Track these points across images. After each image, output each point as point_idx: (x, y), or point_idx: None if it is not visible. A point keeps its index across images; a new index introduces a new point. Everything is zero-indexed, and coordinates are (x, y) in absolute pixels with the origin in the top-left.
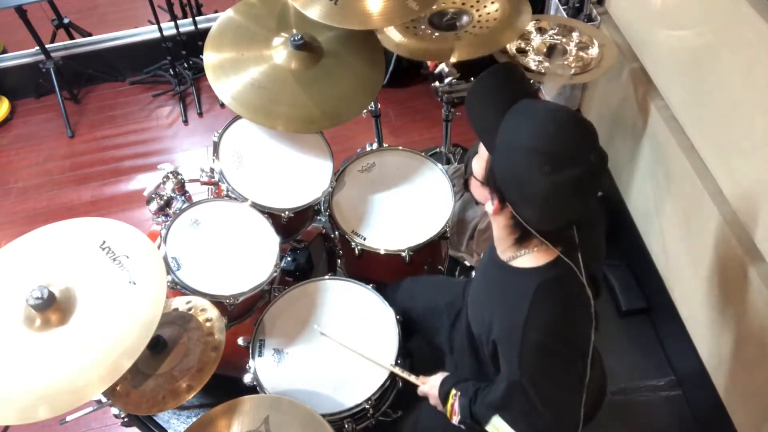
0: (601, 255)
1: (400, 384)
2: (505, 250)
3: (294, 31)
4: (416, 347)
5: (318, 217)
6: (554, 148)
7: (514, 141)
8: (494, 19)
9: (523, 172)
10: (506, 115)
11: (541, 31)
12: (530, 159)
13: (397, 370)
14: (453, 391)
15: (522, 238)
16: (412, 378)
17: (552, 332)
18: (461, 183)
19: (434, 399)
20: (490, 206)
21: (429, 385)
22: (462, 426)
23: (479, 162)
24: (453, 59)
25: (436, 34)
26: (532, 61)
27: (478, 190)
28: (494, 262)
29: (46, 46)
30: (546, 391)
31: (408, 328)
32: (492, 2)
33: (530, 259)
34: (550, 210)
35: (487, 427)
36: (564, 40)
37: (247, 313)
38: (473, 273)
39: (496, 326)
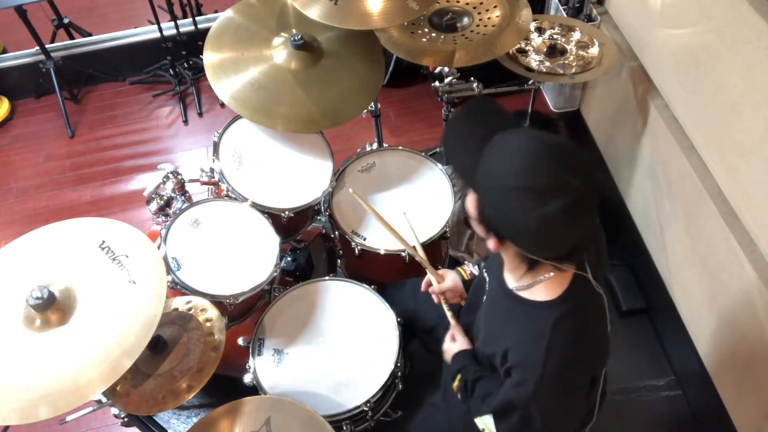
0: (605, 260)
1: (400, 386)
2: (517, 280)
3: (294, 31)
4: (416, 350)
5: (318, 217)
6: (532, 182)
7: (493, 181)
8: (494, 25)
9: (511, 210)
10: (484, 153)
11: (541, 30)
12: (513, 197)
13: (420, 253)
14: (459, 376)
15: (533, 265)
16: (430, 269)
17: (570, 369)
18: (461, 183)
19: (447, 360)
20: (490, 242)
21: (449, 354)
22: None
23: (470, 201)
24: (454, 65)
25: (433, 34)
26: (532, 60)
27: (479, 228)
28: (505, 292)
29: (46, 46)
30: (549, 417)
31: (408, 329)
32: (495, 7)
33: (544, 289)
34: (548, 241)
35: (476, 420)
36: (564, 39)
37: (247, 313)
38: (486, 284)
39: (511, 358)
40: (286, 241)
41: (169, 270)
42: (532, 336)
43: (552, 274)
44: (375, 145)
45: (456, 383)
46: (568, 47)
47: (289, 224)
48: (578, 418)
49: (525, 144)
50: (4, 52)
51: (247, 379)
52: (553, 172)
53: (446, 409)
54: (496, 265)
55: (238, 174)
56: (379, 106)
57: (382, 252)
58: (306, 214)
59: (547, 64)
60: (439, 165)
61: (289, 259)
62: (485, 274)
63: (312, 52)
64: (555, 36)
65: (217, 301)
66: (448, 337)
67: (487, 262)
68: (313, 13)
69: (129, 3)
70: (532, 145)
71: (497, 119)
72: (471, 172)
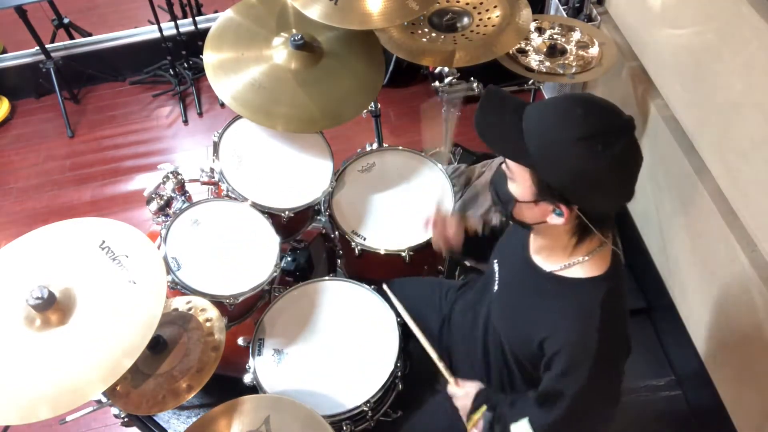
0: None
1: (400, 386)
2: (558, 260)
3: (294, 31)
4: (416, 350)
5: (318, 217)
6: (592, 129)
7: (552, 144)
8: (494, 25)
9: (580, 164)
10: (524, 126)
11: (541, 30)
12: (579, 148)
13: (437, 361)
14: (483, 408)
15: (581, 240)
16: (447, 373)
17: (619, 350)
18: (461, 183)
19: (462, 406)
20: (556, 218)
21: (463, 392)
22: None
23: (519, 185)
24: (454, 65)
25: (433, 34)
26: (532, 60)
27: (531, 212)
28: (539, 273)
29: (46, 46)
30: (598, 403)
31: (408, 329)
32: (495, 7)
33: (587, 267)
34: (624, 184)
35: (511, 427)
36: (564, 39)
37: (247, 313)
38: (496, 275)
39: (552, 345)
40: (286, 241)
41: (169, 270)
42: (579, 316)
43: (592, 255)
44: (375, 145)
45: (477, 415)
46: (568, 47)
47: (289, 224)
48: (617, 403)
49: (564, 102)
50: (4, 52)
51: (247, 379)
52: (605, 115)
53: (447, 409)
54: (515, 253)
55: (238, 174)
56: (379, 106)
57: (382, 252)
58: (306, 214)
59: (547, 64)
60: (439, 165)
61: (289, 259)
62: (495, 266)
63: (312, 52)
64: (555, 36)
65: (217, 301)
66: (452, 384)
67: (499, 254)
68: (313, 13)
69: (129, 3)
70: (571, 101)
71: (514, 100)
72: (519, 151)
